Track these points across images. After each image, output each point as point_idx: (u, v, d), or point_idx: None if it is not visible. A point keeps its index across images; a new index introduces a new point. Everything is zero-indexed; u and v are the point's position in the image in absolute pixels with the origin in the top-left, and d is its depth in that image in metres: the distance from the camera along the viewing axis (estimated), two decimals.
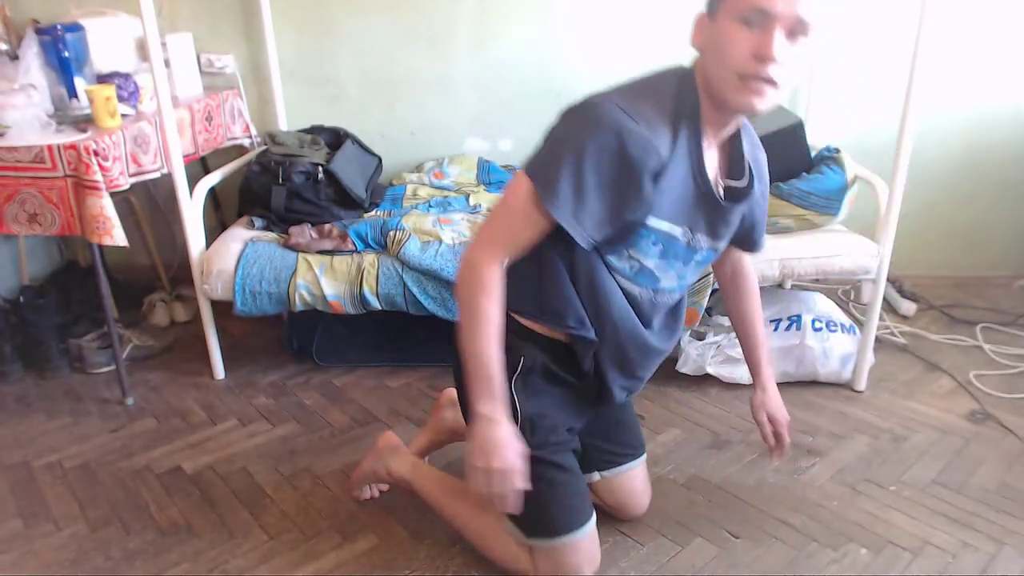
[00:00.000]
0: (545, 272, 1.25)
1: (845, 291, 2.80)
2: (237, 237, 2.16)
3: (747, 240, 1.43)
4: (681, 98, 1.15)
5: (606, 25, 2.57)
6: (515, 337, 1.30)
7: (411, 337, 2.38)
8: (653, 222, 1.19)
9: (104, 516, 1.66)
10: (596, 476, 1.54)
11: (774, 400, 1.52)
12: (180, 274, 2.73)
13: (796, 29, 1.03)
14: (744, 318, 1.54)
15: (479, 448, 1.16)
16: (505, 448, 1.15)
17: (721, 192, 1.26)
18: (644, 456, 1.59)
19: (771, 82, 1.05)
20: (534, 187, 1.12)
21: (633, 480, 1.56)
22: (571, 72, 2.62)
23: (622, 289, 1.27)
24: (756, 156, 1.32)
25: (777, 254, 2.05)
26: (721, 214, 1.26)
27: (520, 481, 1.17)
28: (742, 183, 1.28)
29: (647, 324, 1.33)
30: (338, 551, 1.55)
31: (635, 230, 1.20)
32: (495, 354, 1.14)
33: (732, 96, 1.08)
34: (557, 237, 1.18)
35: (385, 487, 1.71)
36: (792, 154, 2.14)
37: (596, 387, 1.37)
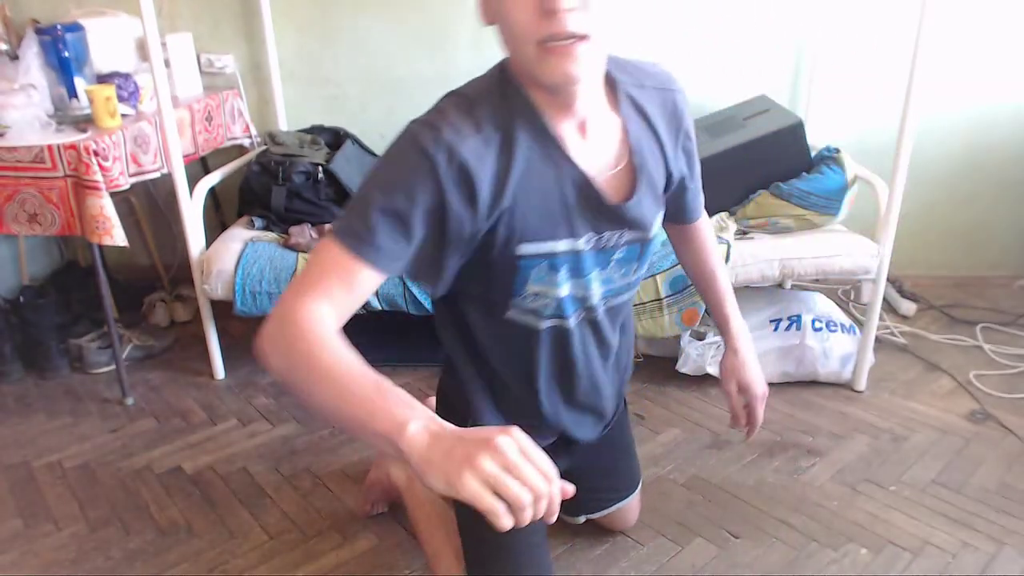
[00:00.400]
0: (456, 330, 1.16)
1: (845, 291, 2.80)
2: (237, 237, 2.16)
3: (680, 210, 1.23)
4: (505, 95, 0.96)
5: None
6: (455, 388, 1.20)
7: (411, 337, 2.38)
8: (529, 249, 1.00)
9: (104, 516, 1.67)
10: (581, 519, 1.51)
11: (746, 366, 1.28)
12: (180, 274, 2.73)
13: None
14: (698, 268, 1.33)
15: (449, 452, 0.69)
16: (478, 431, 0.72)
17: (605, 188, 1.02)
18: (638, 489, 1.51)
19: (577, 36, 0.85)
20: (340, 235, 0.89)
21: (622, 512, 1.51)
22: None
23: (541, 329, 1.10)
24: (642, 105, 1.05)
25: (777, 254, 2.05)
26: (622, 210, 1.04)
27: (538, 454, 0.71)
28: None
29: (583, 351, 1.17)
30: (338, 551, 1.55)
31: (510, 270, 1.02)
32: (368, 373, 0.80)
33: (540, 70, 0.88)
34: (452, 301, 1.07)
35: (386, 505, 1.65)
36: (792, 154, 2.14)
37: (556, 429, 1.24)
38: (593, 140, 1.00)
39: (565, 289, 1.06)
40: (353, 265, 0.88)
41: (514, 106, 0.95)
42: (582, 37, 0.85)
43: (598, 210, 1.01)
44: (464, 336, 1.17)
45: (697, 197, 1.24)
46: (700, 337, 2.18)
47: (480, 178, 0.91)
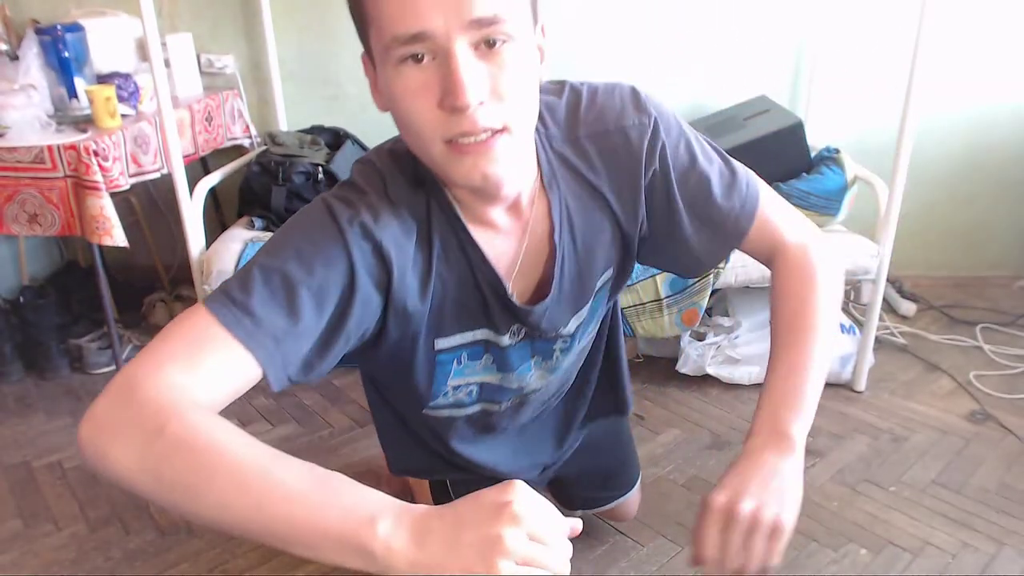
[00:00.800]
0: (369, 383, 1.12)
1: (845, 291, 2.80)
2: (237, 237, 2.16)
3: (694, 260, 0.99)
4: (419, 176, 0.83)
5: (606, 24, 2.57)
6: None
7: None
8: (445, 343, 0.90)
9: (104, 516, 1.66)
10: (578, 515, 1.50)
11: (743, 482, 0.80)
12: (180, 274, 2.73)
13: (484, 35, 0.69)
14: (771, 324, 0.95)
15: (457, 544, 0.56)
16: (475, 501, 0.59)
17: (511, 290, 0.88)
18: (635, 487, 1.49)
19: (495, 130, 0.72)
20: (212, 301, 0.73)
21: (620, 507, 1.50)
22: (569, 71, 2.61)
23: (465, 416, 1.03)
24: (576, 164, 0.88)
25: None
26: (530, 315, 0.91)
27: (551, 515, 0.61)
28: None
29: (514, 422, 1.10)
30: None
31: (428, 366, 0.92)
32: (290, 459, 0.63)
33: (452, 172, 0.74)
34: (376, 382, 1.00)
35: None
36: (792, 154, 2.14)
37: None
38: (514, 229, 0.87)
39: (494, 379, 0.98)
40: (222, 338, 0.70)
41: (429, 190, 0.83)
42: (500, 130, 0.72)
43: (512, 312, 0.90)
44: (377, 392, 1.14)
45: (717, 238, 0.95)
46: (700, 338, 2.18)
47: (396, 268, 0.80)
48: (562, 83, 0.91)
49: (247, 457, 0.61)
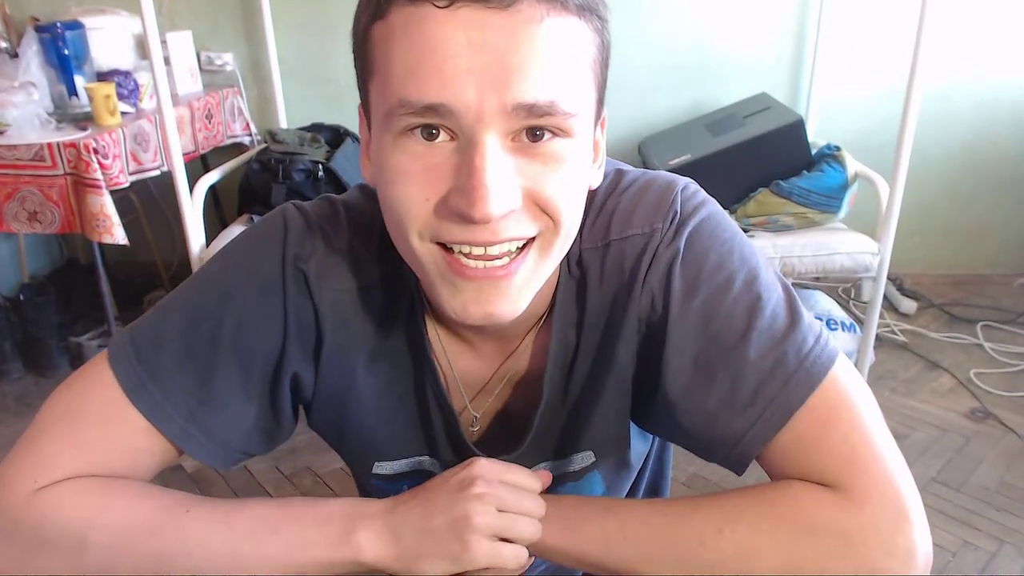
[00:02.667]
0: None
1: (845, 289, 2.79)
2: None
3: (699, 448, 0.65)
4: (388, 252, 0.61)
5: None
6: None
7: None
8: (386, 468, 0.72)
9: None
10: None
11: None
12: (180, 272, 2.73)
13: (528, 125, 0.49)
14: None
15: (429, 529, 0.57)
16: (438, 483, 0.60)
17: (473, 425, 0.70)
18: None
19: (521, 245, 0.53)
20: (115, 357, 0.61)
21: None
22: None
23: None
24: (589, 277, 0.63)
25: (777, 252, 2.05)
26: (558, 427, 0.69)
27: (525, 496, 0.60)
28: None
29: None
30: None
31: (366, 482, 0.73)
32: (238, 501, 0.61)
33: (443, 296, 0.55)
34: None
35: None
36: (792, 152, 2.14)
37: None
38: (491, 349, 0.67)
39: None
40: (122, 406, 0.59)
41: (401, 276, 0.63)
42: (526, 245, 0.53)
43: (463, 454, 0.68)
44: None
45: (717, 445, 0.62)
46: None
47: (336, 350, 0.64)
48: (605, 166, 0.64)
49: (197, 526, 0.57)
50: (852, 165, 2.12)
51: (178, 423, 0.60)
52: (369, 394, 0.67)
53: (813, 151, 2.19)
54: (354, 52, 0.55)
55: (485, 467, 0.59)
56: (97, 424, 0.59)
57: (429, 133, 0.50)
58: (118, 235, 1.88)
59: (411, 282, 0.63)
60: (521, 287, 0.54)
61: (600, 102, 0.55)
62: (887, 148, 2.00)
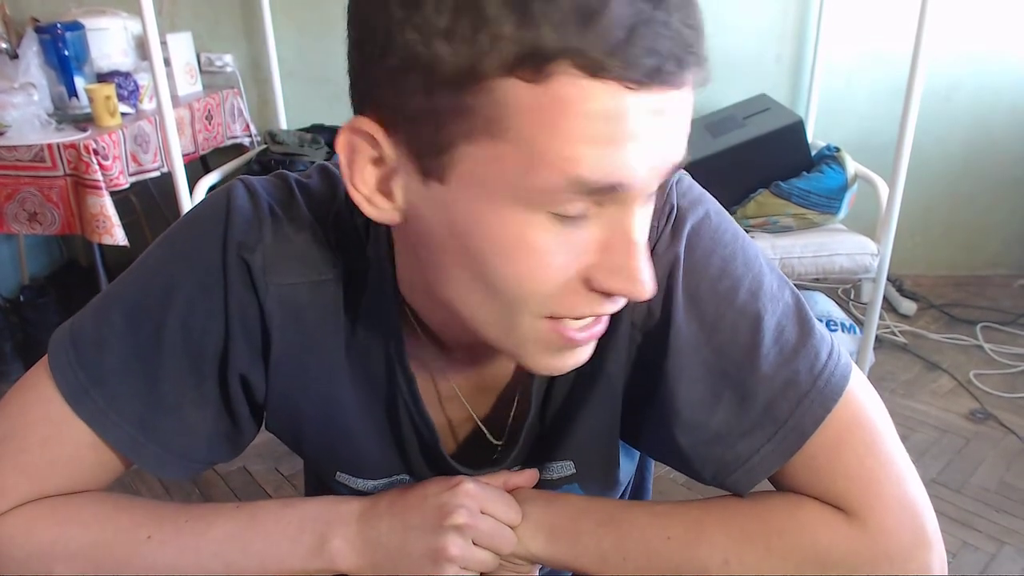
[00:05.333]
0: None
1: (845, 290, 2.79)
2: None
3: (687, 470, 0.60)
4: (362, 248, 0.57)
5: None
6: None
7: None
8: (349, 481, 0.67)
9: None
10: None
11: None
12: None
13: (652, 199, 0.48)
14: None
15: (404, 548, 0.57)
16: (412, 499, 0.59)
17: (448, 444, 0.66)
18: None
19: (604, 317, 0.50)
20: (56, 364, 0.57)
21: None
22: None
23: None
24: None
25: (777, 253, 2.05)
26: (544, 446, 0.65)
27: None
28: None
29: None
30: None
31: (330, 486, 0.69)
32: (210, 506, 0.59)
33: (533, 357, 0.50)
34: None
35: None
36: (792, 153, 2.14)
37: None
38: (469, 354, 0.61)
39: None
40: (65, 419, 0.56)
41: (365, 270, 0.57)
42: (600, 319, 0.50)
43: (443, 470, 0.63)
44: None
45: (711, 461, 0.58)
46: None
47: (286, 351, 0.58)
48: None
49: (164, 553, 0.56)
50: (852, 166, 2.12)
51: (125, 431, 0.56)
52: (329, 402, 0.61)
53: (813, 152, 2.19)
54: (435, 87, 0.42)
55: (469, 494, 0.57)
56: (38, 443, 0.56)
57: (567, 217, 0.44)
58: (118, 236, 1.88)
59: (381, 279, 0.56)
60: (586, 350, 0.52)
61: None
62: (887, 149, 2.00)
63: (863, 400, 0.56)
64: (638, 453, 0.72)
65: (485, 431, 0.65)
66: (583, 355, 0.51)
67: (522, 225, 0.44)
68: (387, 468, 0.65)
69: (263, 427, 0.66)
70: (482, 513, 0.57)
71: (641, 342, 0.59)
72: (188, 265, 0.57)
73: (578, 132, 0.41)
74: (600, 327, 0.50)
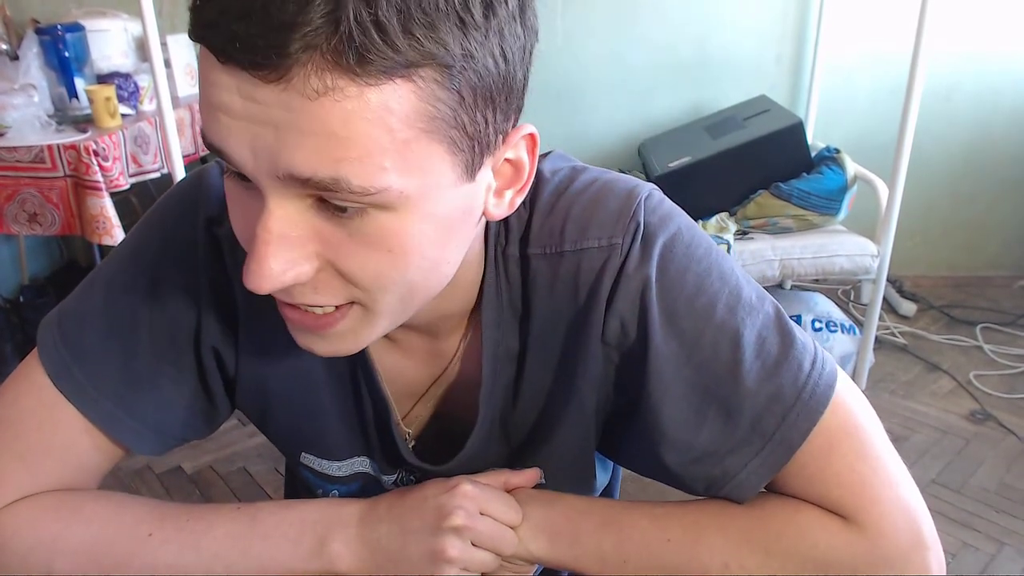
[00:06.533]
0: None
1: (845, 291, 2.80)
2: None
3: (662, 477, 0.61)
4: None
5: (605, 24, 2.57)
6: None
7: None
8: (314, 463, 0.68)
9: None
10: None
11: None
12: None
13: (315, 195, 0.42)
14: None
15: (404, 551, 0.57)
16: (412, 503, 0.58)
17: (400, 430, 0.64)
18: None
19: (336, 305, 0.47)
20: (44, 352, 0.58)
21: None
22: (570, 69, 2.62)
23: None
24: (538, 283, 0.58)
25: (777, 254, 2.05)
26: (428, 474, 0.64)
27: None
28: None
29: None
30: None
31: (296, 472, 0.72)
32: (210, 507, 0.60)
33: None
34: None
35: None
36: (792, 154, 2.14)
37: None
38: (424, 352, 0.62)
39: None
40: (56, 403, 0.57)
41: None
42: (343, 305, 0.47)
43: (400, 460, 0.65)
44: None
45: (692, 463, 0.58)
46: None
47: (254, 326, 0.60)
48: (558, 163, 0.61)
49: (165, 552, 0.56)
50: (851, 167, 2.12)
51: (105, 407, 0.58)
52: (293, 378, 0.62)
53: (813, 153, 2.19)
54: None
55: (467, 495, 0.57)
56: (34, 428, 0.57)
57: (240, 175, 0.43)
58: (118, 237, 1.88)
59: None
60: (346, 334, 0.48)
61: (482, 144, 0.46)
62: (887, 149, 2.00)
63: (850, 406, 0.56)
64: (612, 464, 0.72)
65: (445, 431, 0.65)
66: (322, 344, 0.49)
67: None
68: (348, 447, 0.66)
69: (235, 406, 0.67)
70: (482, 514, 0.57)
71: (619, 362, 0.58)
72: (163, 241, 0.59)
73: (202, 92, 0.41)
74: (327, 321, 0.47)
